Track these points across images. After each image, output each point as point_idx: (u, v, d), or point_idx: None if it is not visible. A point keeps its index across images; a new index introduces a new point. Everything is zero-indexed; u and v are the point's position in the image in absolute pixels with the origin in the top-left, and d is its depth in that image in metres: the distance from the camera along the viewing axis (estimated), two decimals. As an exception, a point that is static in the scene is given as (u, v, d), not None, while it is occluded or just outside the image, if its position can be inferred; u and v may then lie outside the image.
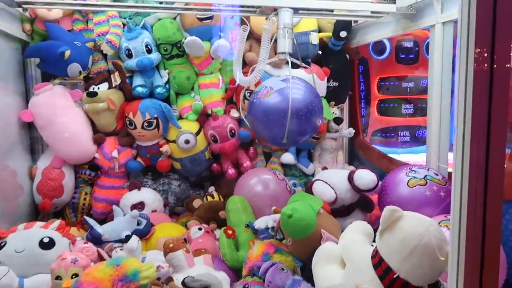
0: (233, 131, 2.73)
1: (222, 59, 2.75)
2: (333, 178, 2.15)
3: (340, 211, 2.13)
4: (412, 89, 3.20)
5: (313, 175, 2.90)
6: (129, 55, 2.55)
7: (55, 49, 2.34)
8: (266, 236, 2.13)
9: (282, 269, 1.82)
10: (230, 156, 2.81)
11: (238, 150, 2.84)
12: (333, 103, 2.98)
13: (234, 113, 2.76)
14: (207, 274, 1.56)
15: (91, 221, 2.12)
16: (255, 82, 2.11)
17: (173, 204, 2.78)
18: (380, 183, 2.18)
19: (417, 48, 3.16)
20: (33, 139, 2.60)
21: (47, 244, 1.81)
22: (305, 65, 2.33)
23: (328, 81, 2.89)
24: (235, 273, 2.04)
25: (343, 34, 2.75)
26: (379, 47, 3.15)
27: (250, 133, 2.74)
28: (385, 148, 3.23)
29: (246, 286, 1.87)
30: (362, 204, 2.19)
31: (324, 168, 2.57)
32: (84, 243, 2.00)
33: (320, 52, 2.92)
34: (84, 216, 2.16)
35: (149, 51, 2.55)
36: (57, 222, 1.92)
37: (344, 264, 1.49)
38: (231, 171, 2.79)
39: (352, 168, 2.92)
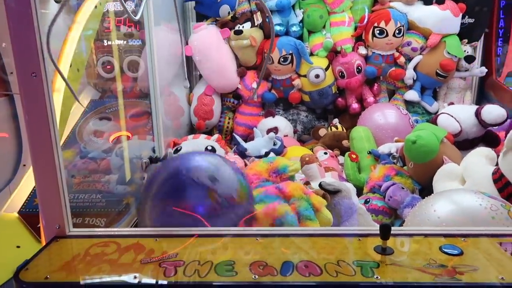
0: (360, 67, 2.90)
1: (353, -3, 2.88)
2: (459, 113, 2.23)
3: (463, 144, 2.22)
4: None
5: (436, 113, 2.94)
6: (270, -4, 2.84)
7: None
8: (387, 162, 2.34)
9: (402, 188, 2.06)
10: (355, 91, 3.00)
11: (363, 86, 3.00)
12: (465, 41, 2.90)
13: (362, 50, 2.91)
14: (338, 182, 1.89)
15: (238, 138, 2.59)
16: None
17: (300, 132, 3.12)
18: (509, 120, 2.20)
19: None
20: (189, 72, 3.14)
21: (211, 151, 2.33)
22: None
23: (462, 17, 2.81)
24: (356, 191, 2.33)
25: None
26: (527, -23, 2.90)
27: (376, 69, 2.89)
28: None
29: (368, 200, 2.16)
30: (487, 139, 2.24)
31: (451, 103, 2.62)
32: (234, 154, 2.49)
33: (457, -14, 2.82)
34: (234, 133, 2.63)
35: (287, -9, 2.80)
36: (216, 135, 2.42)
37: (465, 182, 1.67)
38: (355, 105, 2.99)
39: (480, 108, 2.88)
